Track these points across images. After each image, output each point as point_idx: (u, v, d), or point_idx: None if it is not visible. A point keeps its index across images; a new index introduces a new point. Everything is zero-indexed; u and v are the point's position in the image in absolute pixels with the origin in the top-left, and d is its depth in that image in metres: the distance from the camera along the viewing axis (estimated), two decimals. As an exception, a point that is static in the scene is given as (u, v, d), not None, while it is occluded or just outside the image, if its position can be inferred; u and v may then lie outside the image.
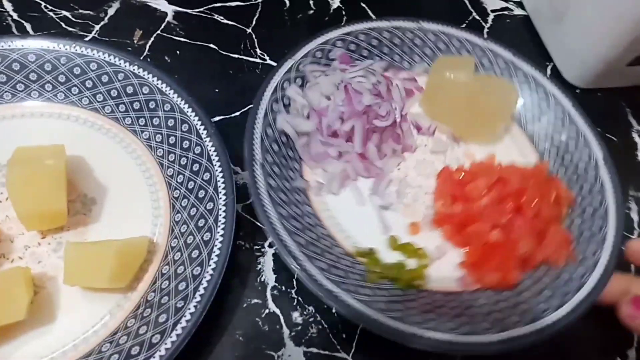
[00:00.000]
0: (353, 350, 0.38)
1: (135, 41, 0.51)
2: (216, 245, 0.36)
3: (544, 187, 0.42)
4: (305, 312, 0.39)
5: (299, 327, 0.38)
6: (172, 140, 0.42)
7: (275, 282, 0.40)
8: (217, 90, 0.49)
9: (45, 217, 0.37)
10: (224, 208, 0.38)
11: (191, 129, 0.42)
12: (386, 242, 0.41)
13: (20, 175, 0.36)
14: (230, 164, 0.40)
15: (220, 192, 0.39)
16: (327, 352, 0.38)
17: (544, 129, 0.48)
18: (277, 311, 0.39)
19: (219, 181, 0.39)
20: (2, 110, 0.43)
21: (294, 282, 0.40)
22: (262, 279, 0.40)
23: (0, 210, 0.39)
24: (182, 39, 0.52)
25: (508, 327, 0.35)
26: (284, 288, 0.40)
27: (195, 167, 0.41)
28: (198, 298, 0.34)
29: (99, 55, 0.44)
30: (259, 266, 0.41)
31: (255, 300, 0.39)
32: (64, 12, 0.52)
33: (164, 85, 0.43)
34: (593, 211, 0.42)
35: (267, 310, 0.39)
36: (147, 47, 0.51)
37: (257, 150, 0.40)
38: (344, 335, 0.39)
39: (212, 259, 0.36)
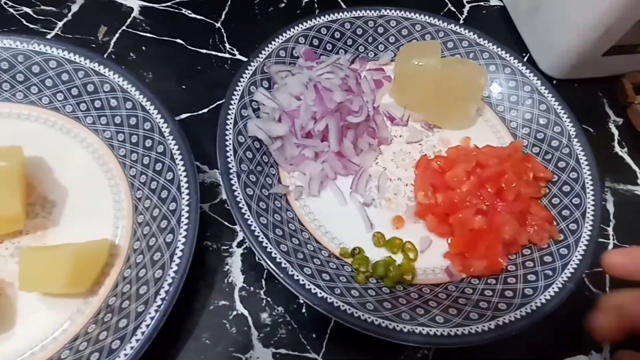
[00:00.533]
0: (323, 349, 0.37)
1: (99, 37, 0.50)
2: (178, 247, 0.35)
3: (520, 166, 0.42)
4: (274, 313, 0.38)
5: (268, 329, 0.38)
6: (134, 139, 0.41)
7: (244, 282, 0.39)
8: (184, 87, 0.48)
9: (0, 222, 0.35)
10: (187, 209, 0.37)
11: (153, 127, 0.40)
12: (372, 239, 0.41)
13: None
14: (194, 163, 0.39)
15: (183, 192, 0.37)
16: (296, 353, 0.37)
17: (515, 109, 0.48)
18: (245, 312, 0.38)
19: (182, 181, 0.38)
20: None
21: (263, 283, 0.39)
22: (230, 280, 0.39)
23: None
24: (149, 35, 0.51)
25: (497, 315, 0.36)
26: (252, 289, 0.39)
27: (158, 166, 0.39)
28: (159, 302, 0.33)
29: (58, 53, 0.42)
30: (227, 267, 0.40)
31: (223, 302, 0.38)
32: (25, 9, 0.50)
33: (125, 82, 0.42)
34: (570, 188, 0.42)
35: (234, 312, 0.38)
36: (112, 43, 0.49)
37: (231, 161, 0.39)
38: (314, 335, 0.38)
39: (174, 261, 0.35)
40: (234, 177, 0.38)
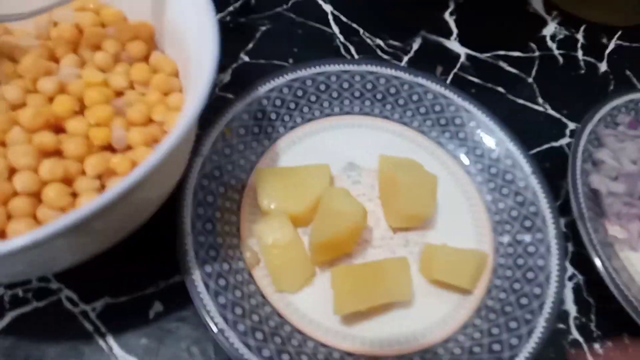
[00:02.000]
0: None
1: (437, 74, 0.59)
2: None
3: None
4: (604, 346, 0.44)
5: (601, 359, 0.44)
6: (493, 170, 0.49)
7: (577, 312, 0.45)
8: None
9: (410, 219, 0.44)
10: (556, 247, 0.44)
11: (515, 164, 0.48)
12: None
13: (403, 180, 0.44)
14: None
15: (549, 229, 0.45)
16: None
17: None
18: (581, 339, 0.44)
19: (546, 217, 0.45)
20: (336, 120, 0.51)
21: (592, 317, 0.45)
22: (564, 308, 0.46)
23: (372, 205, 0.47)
24: (475, 79, 0.59)
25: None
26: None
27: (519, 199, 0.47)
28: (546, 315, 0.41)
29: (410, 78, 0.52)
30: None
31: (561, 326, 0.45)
32: (378, 41, 0.61)
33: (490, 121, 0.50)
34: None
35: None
36: (448, 82, 0.58)
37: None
38: (638, 374, 0.43)
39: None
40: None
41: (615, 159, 0.50)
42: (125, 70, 0.41)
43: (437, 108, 0.51)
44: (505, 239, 0.46)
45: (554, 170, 0.52)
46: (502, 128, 0.50)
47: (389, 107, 0.52)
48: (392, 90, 0.52)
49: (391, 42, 0.61)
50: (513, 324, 0.41)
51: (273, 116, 0.48)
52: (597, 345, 0.44)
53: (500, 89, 0.59)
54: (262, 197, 0.43)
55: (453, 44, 0.62)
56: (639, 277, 0.47)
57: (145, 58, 0.42)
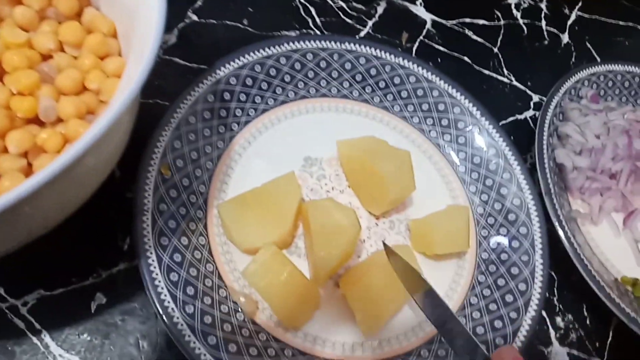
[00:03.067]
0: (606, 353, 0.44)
1: (403, 42, 0.56)
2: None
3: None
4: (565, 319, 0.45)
5: (562, 331, 0.44)
6: (476, 160, 0.47)
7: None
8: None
9: (392, 202, 0.42)
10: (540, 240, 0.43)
11: (498, 153, 0.46)
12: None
13: (375, 163, 0.41)
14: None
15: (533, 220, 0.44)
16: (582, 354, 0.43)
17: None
18: (544, 313, 0.44)
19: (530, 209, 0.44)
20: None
21: (555, 291, 0.46)
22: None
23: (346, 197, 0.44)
24: (442, 48, 0.57)
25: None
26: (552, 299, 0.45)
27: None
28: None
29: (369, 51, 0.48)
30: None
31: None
32: (341, 3, 0.56)
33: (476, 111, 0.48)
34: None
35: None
36: (414, 51, 0.56)
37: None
38: (597, 344, 0.44)
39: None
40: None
41: (580, 134, 0.49)
42: (53, 29, 0.35)
43: (397, 81, 0.48)
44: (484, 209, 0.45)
45: (518, 142, 0.51)
46: (482, 113, 0.48)
47: (346, 84, 0.47)
48: (348, 66, 0.47)
49: (354, 4, 0.57)
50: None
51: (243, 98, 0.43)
52: (558, 319, 0.45)
53: (467, 59, 0.57)
54: (237, 235, 0.37)
55: (419, 9, 0.59)
56: (599, 251, 0.47)
57: (77, 15, 0.37)
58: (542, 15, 0.64)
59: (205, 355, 0.32)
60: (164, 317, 0.32)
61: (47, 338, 0.33)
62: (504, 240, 0.43)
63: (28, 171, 0.31)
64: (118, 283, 0.36)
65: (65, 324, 0.34)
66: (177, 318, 0.32)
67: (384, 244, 0.38)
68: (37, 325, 0.34)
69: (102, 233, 0.37)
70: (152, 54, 0.28)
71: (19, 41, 0.33)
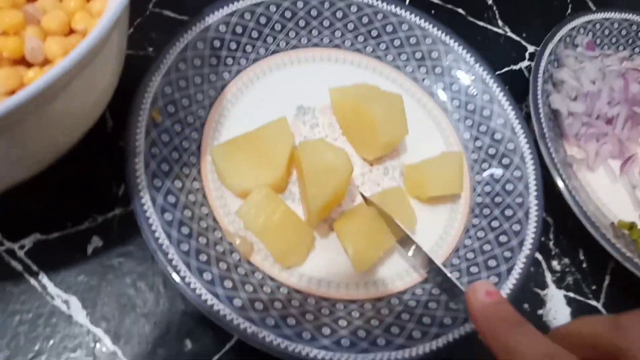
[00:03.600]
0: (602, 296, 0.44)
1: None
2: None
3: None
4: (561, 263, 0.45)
5: (559, 274, 0.44)
6: (470, 107, 0.47)
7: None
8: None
9: (385, 146, 0.42)
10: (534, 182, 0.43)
11: (493, 100, 0.46)
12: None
13: (367, 107, 0.40)
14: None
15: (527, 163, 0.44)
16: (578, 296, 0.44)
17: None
18: (540, 257, 0.44)
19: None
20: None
21: (550, 235, 0.46)
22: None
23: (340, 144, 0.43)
24: (435, 0, 0.56)
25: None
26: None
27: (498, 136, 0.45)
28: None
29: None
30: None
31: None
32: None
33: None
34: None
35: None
36: (407, 1, 0.55)
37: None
38: (593, 287, 0.44)
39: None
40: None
41: (576, 79, 0.49)
42: (38, -30, 0.35)
43: (396, 32, 0.48)
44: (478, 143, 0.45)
45: (514, 93, 0.51)
46: (470, 52, 0.47)
47: (338, 34, 0.47)
48: (339, 15, 0.47)
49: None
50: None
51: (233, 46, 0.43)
52: (555, 262, 0.45)
53: (461, 11, 0.56)
54: (230, 178, 0.37)
55: (411, -38, 0.58)
56: (595, 196, 0.47)
57: (62, -43, 0.36)
58: (538, -34, 0.63)
59: (200, 289, 0.32)
60: (159, 255, 0.32)
61: (44, 279, 0.34)
62: (498, 185, 0.43)
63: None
64: (114, 227, 0.36)
65: (62, 266, 0.34)
66: (172, 254, 0.33)
67: (362, 194, 0.39)
68: (34, 268, 0.34)
69: (97, 181, 0.37)
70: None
71: (4, -19, 0.33)
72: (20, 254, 0.34)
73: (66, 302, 0.33)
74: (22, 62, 0.32)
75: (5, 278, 0.33)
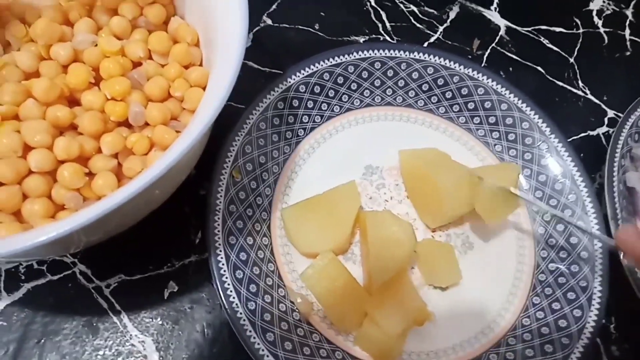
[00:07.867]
0: None
1: (474, 49, 0.55)
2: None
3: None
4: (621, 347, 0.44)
5: (616, 360, 0.43)
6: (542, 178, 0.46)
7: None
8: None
9: (450, 218, 0.43)
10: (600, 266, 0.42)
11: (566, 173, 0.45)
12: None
13: (436, 177, 0.41)
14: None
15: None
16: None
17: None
18: (599, 340, 0.44)
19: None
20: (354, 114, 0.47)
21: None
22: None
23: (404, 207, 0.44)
24: (514, 56, 0.55)
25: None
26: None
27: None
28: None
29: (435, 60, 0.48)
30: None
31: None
32: (412, 7, 0.56)
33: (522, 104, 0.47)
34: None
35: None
36: (485, 58, 0.55)
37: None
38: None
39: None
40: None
41: (654, 157, 0.47)
42: (143, 38, 0.38)
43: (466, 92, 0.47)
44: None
45: (588, 160, 0.50)
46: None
47: (412, 94, 0.48)
48: (415, 75, 0.47)
49: (426, 9, 0.56)
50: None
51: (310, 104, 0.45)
52: (614, 348, 0.44)
53: (540, 69, 0.55)
54: (298, 239, 0.40)
55: (493, 15, 0.57)
56: None
57: (164, 24, 0.39)
58: (627, 23, 0.61)
59: (263, 350, 0.34)
60: (229, 312, 0.35)
61: (125, 319, 0.37)
62: (563, 265, 0.43)
63: (118, 171, 0.34)
64: (189, 273, 0.39)
65: (141, 307, 0.38)
66: (241, 313, 0.35)
67: None
68: (117, 306, 0.38)
69: (177, 227, 0.41)
70: (233, 76, 0.30)
71: (114, 50, 0.36)
72: (106, 292, 0.38)
73: (142, 342, 0.37)
74: (125, 123, 0.36)
75: (92, 314, 0.37)
